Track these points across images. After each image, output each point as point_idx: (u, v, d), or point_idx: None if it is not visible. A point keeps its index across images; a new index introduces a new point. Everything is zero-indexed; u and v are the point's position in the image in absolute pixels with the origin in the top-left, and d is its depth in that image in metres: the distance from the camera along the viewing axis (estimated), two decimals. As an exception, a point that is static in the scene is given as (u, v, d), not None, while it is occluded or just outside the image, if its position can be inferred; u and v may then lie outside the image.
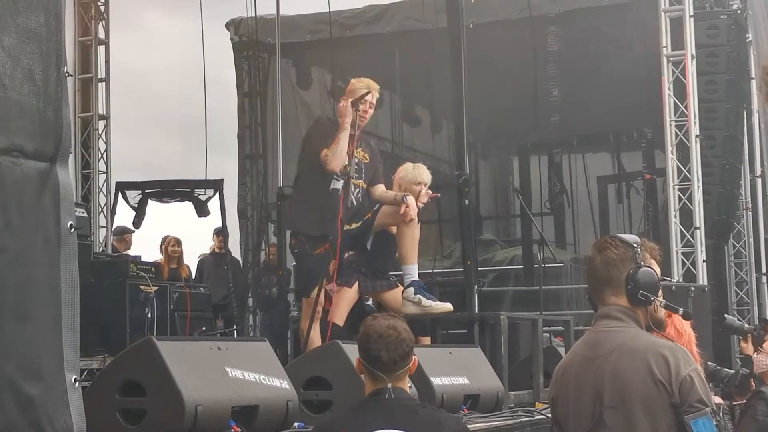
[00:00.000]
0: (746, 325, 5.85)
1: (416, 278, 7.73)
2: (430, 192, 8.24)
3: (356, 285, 7.93)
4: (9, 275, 2.56)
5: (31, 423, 2.56)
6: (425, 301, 7.69)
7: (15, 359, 2.56)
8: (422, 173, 8.22)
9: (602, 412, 3.41)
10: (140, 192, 13.37)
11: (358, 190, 7.54)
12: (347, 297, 7.91)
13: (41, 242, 2.67)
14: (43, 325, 2.65)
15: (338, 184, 7.44)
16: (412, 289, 7.69)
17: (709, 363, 5.39)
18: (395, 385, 3.85)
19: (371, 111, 7.66)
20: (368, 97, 7.60)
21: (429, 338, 8.12)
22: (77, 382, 2.74)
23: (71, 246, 2.77)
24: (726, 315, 6.39)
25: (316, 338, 7.50)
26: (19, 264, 2.59)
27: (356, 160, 7.57)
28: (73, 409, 2.70)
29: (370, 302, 9.30)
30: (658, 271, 3.69)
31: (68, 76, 2.90)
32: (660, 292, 3.56)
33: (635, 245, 3.54)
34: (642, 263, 3.52)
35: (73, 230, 2.77)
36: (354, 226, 7.56)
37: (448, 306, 7.80)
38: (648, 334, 3.50)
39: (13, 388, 2.54)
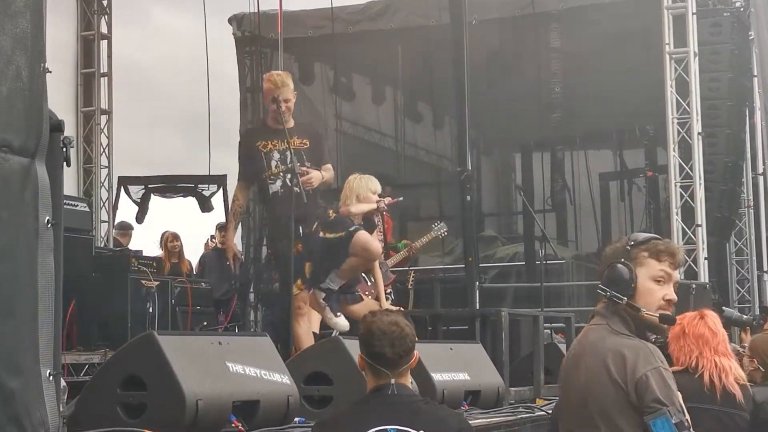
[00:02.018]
0: (744, 317, 5.83)
1: (335, 289, 7.75)
2: (390, 199, 8.44)
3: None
4: (-4, 271, 2.58)
5: (12, 418, 2.57)
6: (329, 313, 7.74)
7: (0, 355, 2.56)
8: (376, 182, 8.46)
9: (581, 411, 3.40)
10: (143, 187, 13.37)
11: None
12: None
13: (23, 238, 2.68)
14: (23, 321, 2.66)
15: (276, 186, 7.51)
16: (323, 294, 7.73)
17: (725, 308, 5.37)
18: (398, 381, 3.85)
19: (284, 106, 7.54)
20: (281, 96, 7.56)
21: None
22: (51, 377, 2.75)
23: (47, 241, 2.78)
24: (724, 308, 6.38)
25: (303, 335, 7.49)
26: (4, 259, 2.60)
27: (290, 151, 7.44)
28: (48, 403, 2.71)
29: (388, 302, 9.38)
30: (655, 271, 3.42)
31: (48, 72, 2.90)
32: (638, 293, 3.37)
33: (631, 242, 3.44)
34: (623, 261, 3.39)
35: (50, 225, 2.79)
36: (332, 235, 7.58)
37: (343, 324, 7.78)
38: (617, 334, 3.38)
39: None
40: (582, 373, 3.39)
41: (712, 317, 4.96)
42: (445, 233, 9.77)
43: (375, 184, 8.41)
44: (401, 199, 8.85)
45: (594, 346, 3.40)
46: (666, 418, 3.21)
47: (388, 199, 8.46)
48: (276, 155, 7.50)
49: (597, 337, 3.42)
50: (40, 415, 2.66)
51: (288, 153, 7.41)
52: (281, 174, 7.49)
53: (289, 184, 7.42)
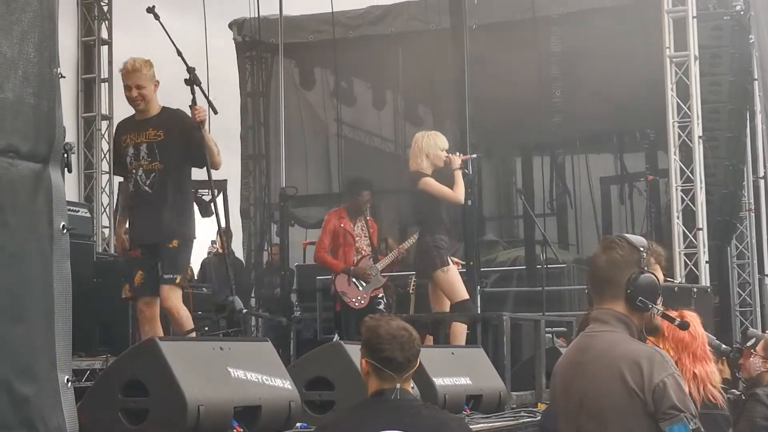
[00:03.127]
0: (723, 346, 5.77)
1: None
2: (461, 154, 8.36)
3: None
4: (4, 275, 2.56)
5: (25, 422, 2.57)
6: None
7: (9, 359, 2.55)
8: (444, 138, 8.42)
9: (584, 420, 3.38)
10: (143, 192, 13.33)
11: (153, 174, 6.93)
12: (456, 271, 8.18)
13: (35, 243, 2.67)
14: (36, 326, 2.66)
15: (130, 183, 7.06)
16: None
17: (707, 335, 5.33)
18: (403, 385, 3.85)
19: (135, 93, 7.01)
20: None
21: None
22: (69, 383, 2.74)
23: (64, 246, 2.77)
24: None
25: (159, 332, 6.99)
26: (14, 264, 2.59)
27: (144, 145, 6.97)
28: (65, 409, 2.70)
29: (381, 307, 9.38)
30: (661, 277, 3.64)
31: (61, 77, 2.89)
32: (660, 299, 3.49)
33: (641, 248, 3.47)
34: (645, 268, 3.45)
35: (65, 231, 2.78)
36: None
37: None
38: (630, 341, 3.42)
39: (7, 387, 2.54)
40: (588, 380, 3.38)
41: (692, 319, 4.92)
42: None
43: (443, 141, 8.36)
44: (475, 156, 8.76)
45: (604, 354, 3.39)
46: (684, 424, 3.23)
47: (460, 155, 8.39)
48: (131, 150, 7.00)
49: (607, 345, 3.41)
50: (57, 420, 2.65)
51: (142, 147, 6.94)
52: (133, 171, 6.98)
53: (140, 182, 6.96)
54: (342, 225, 9.52)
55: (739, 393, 5.85)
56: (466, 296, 8.07)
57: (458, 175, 8.24)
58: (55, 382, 2.69)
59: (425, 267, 8.24)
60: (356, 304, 9.32)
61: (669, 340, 4.79)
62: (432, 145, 8.27)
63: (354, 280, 9.35)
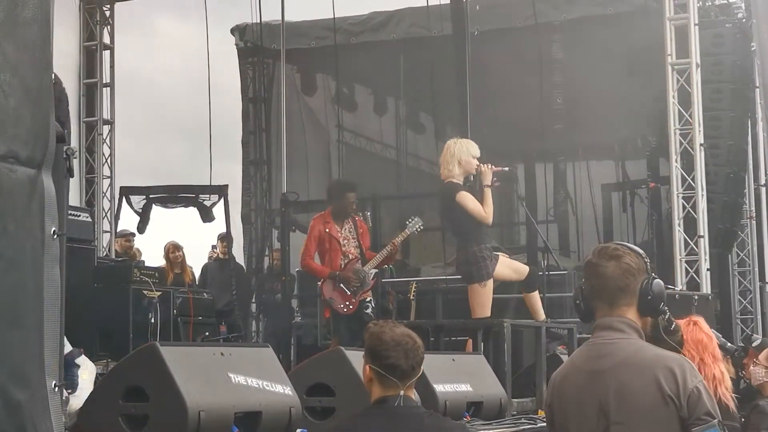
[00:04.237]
0: (729, 344, 5.77)
1: None
2: (493, 166, 8.32)
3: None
4: (3, 281, 2.58)
5: (18, 428, 2.57)
6: None
7: (6, 365, 2.57)
8: (475, 146, 8.36)
9: (608, 427, 3.35)
10: (144, 197, 13.38)
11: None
12: (491, 288, 8.21)
13: (31, 248, 2.69)
14: (30, 331, 2.67)
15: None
16: None
17: (714, 332, 5.34)
18: (406, 393, 3.84)
19: None
20: None
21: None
22: (57, 388, 2.75)
23: (54, 252, 2.79)
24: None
25: None
26: (12, 270, 2.60)
27: None
28: (53, 414, 2.72)
29: (369, 311, 9.35)
30: None
31: (54, 83, 2.92)
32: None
33: (642, 254, 3.49)
34: (653, 274, 3.46)
35: (56, 237, 2.79)
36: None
37: None
38: (652, 347, 3.43)
39: (3, 393, 2.55)
40: (613, 388, 3.36)
41: (703, 322, 4.96)
42: (421, 228, 9.60)
43: (475, 149, 8.33)
44: (507, 169, 8.69)
45: (630, 361, 3.37)
46: (716, 431, 3.27)
47: (491, 166, 8.35)
48: None
49: (631, 352, 3.39)
50: (46, 426, 2.66)
51: None
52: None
53: None
54: (327, 230, 9.45)
55: (739, 416, 5.83)
56: (488, 314, 8.09)
57: (487, 193, 8.17)
58: (45, 387, 2.70)
59: (470, 276, 8.22)
60: (344, 309, 9.26)
61: (688, 342, 4.79)
62: (464, 151, 8.24)
63: (341, 285, 9.29)
